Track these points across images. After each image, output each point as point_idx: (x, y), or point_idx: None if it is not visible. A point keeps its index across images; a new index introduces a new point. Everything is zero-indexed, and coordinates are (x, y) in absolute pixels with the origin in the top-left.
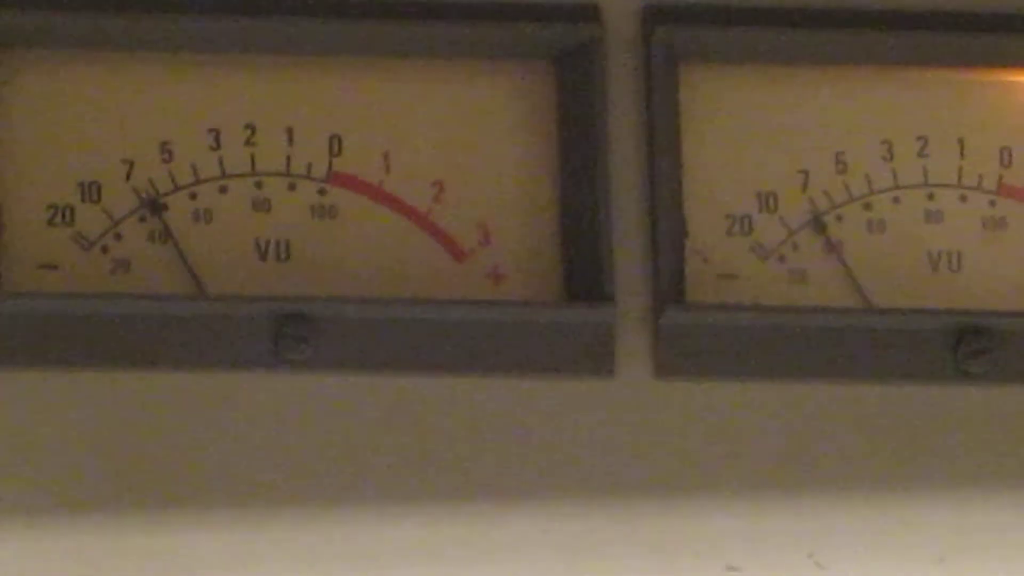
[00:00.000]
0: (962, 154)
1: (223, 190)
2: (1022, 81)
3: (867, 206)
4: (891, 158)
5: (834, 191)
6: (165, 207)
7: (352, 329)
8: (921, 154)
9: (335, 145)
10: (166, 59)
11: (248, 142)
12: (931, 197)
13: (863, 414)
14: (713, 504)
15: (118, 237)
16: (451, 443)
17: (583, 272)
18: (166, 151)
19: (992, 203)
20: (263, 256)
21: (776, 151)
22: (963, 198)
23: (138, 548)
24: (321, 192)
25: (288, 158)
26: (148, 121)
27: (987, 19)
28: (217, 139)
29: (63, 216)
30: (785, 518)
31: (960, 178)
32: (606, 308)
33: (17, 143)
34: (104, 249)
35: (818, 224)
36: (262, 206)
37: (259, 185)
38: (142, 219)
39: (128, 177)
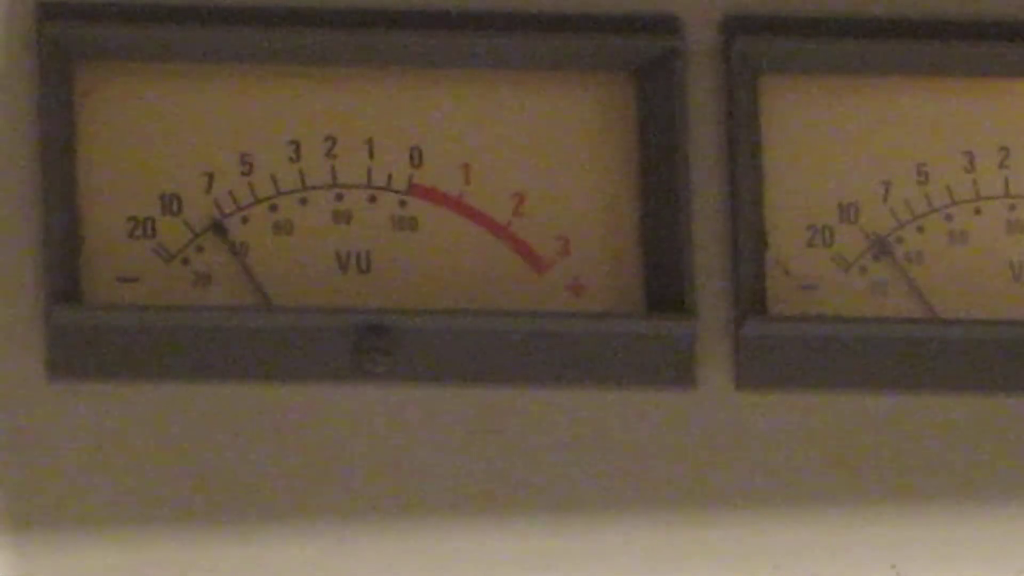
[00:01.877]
0: None
1: (303, 202)
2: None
3: (948, 217)
4: (972, 169)
5: (915, 202)
6: (226, 230)
7: (433, 341)
8: (1002, 165)
9: (415, 157)
10: (247, 71)
11: (328, 154)
12: (1012, 208)
13: (947, 425)
14: (793, 515)
15: (199, 249)
16: (533, 455)
17: (664, 283)
18: (246, 163)
19: None
20: (344, 268)
21: (858, 161)
22: None
23: (218, 561)
24: (402, 204)
25: (369, 170)
26: (228, 133)
27: None
28: (297, 151)
29: (144, 229)
30: (867, 529)
31: None
32: (687, 320)
33: (98, 156)
34: (185, 261)
35: (883, 245)
36: (343, 218)
37: (339, 197)
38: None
39: (209, 189)
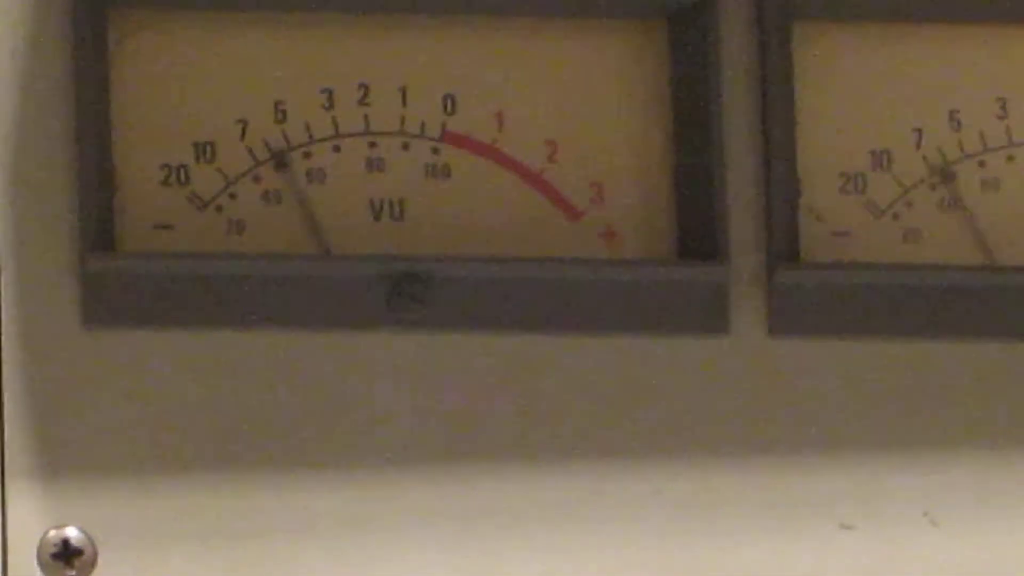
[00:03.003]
0: None
1: (336, 149)
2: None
3: (981, 164)
4: (1005, 115)
5: (948, 149)
6: (288, 164)
7: (466, 288)
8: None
9: (449, 104)
10: (280, 19)
11: (361, 102)
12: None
13: (980, 372)
14: (826, 462)
15: (232, 197)
16: (565, 402)
17: (696, 230)
18: (280, 111)
19: None
20: (377, 216)
21: (890, 108)
22: None
23: (254, 507)
24: (435, 151)
25: (402, 117)
26: (262, 81)
27: None
28: (331, 98)
29: (178, 176)
30: (899, 476)
31: None
32: (719, 266)
33: (130, 104)
34: (219, 209)
35: (946, 175)
36: (376, 166)
37: (372, 145)
38: (256, 179)
39: (243, 137)
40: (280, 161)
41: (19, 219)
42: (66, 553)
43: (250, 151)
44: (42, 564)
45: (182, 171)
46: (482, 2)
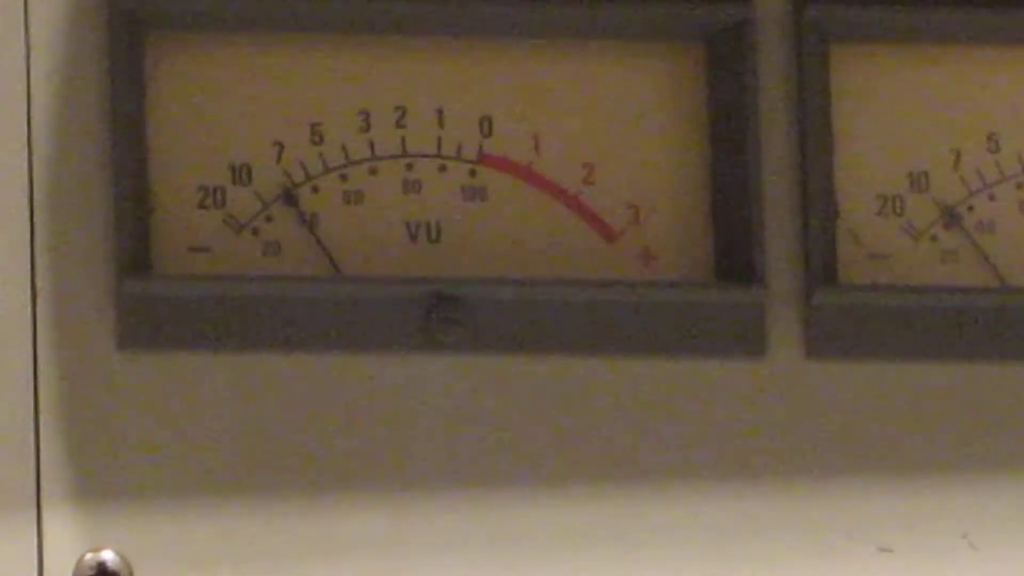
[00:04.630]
0: None
1: (373, 171)
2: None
3: (1020, 186)
4: None
5: (986, 171)
6: (296, 199)
7: (503, 311)
8: None
9: (485, 126)
10: (316, 40)
11: (398, 124)
12: None
13: (1018, 394)
14: (865, 485)
15: (268, 219)
16: (603, 424)
17: (734, 252)
18: (316, 133)
19: None
20: (414, 238)
21: (928, 131)
22: None
23: (289, 530)
24: (471, 174)
25: (439, 139)
26: (299, 103)
27: None
28: (367, 120)
29: (214, 198)
30: (938, 499)
31: None
32: (757, 289)
33: (167, 126)
34: (255, 231)
35: (953, 214)
36: (413, 188)
37: (409, 167)
38: (289, 202)
39: (279, 159)
40: (288, 198)
41: (56, 242)
42: None
43: (286, 173)
44: None
45: (219, 193)
46: (520, 24)
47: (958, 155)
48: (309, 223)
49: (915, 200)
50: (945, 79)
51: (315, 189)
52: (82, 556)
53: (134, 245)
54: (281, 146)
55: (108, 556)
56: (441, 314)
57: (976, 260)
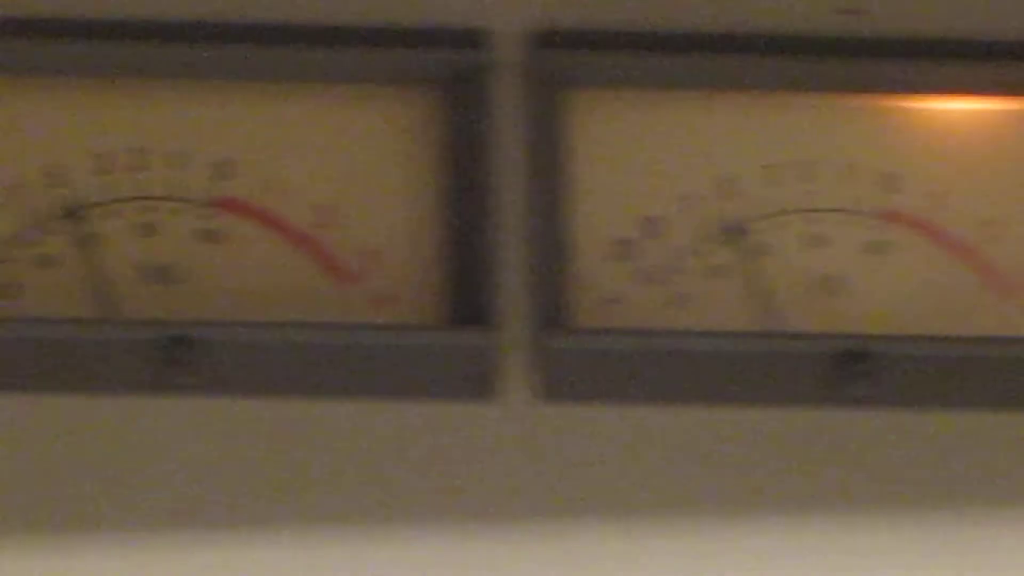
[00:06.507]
0: (848, 178)
1: (109, 214)
2: (907, 107)
3: (752, 230)
4: (774, 183)
5: (717, 216)
6: (82, 218)
7: (237, 353)
8: (804, 178)
9: (224, 169)
10: (48, 85)
11: (134, 166)
12: (808, 221)
13: (748, 437)
14: (596, 525)
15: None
16: (335, 466)
17: (468, 296)
18: (51, 176)
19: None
20: (148, 280)
21: (661, 176)
22: (846, 223)
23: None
24: (207, 217)
25: (175, 182)
26: (35, 147)
27: (870, 45)
28: (104, 163)
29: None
30: (665, 542)
31: (843, 203)
32: (487, 332)
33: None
34: None
35: (731, 234)
36: (147, 231)
37: (146, 209)
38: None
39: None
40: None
41: None
42: None
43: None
44: None
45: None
46: (258, 68)
47: (690, 200)
48: (48, 264)
49: (647, 245)
50: (676, 124)
51: (49, 232)
52: None
53: None
54: (12, 190)
55: None
56: (176, 356)
57: (706, 303)
